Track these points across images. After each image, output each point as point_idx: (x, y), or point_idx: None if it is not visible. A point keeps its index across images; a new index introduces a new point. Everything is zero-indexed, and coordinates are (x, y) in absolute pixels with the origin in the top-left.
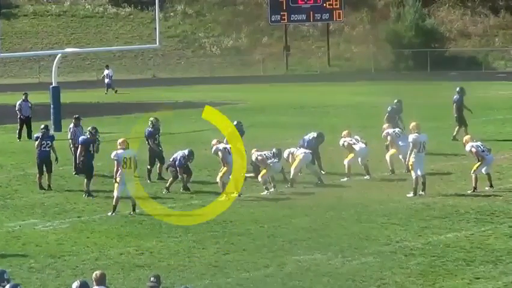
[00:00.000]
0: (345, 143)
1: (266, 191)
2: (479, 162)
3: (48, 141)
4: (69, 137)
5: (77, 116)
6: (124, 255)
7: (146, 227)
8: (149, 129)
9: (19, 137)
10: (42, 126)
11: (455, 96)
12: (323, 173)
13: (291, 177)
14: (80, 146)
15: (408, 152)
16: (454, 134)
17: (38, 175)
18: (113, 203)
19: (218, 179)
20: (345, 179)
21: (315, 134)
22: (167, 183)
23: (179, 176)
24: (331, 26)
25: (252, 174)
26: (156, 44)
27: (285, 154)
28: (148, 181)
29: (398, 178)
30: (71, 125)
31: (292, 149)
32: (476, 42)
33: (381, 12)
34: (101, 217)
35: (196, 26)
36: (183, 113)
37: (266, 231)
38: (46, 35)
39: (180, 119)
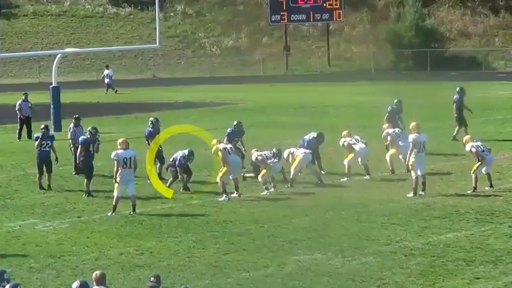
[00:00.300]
0: (345, 143)
1: (266, 191)
2: (479, 162)
3: (48, 141)
4: (69, 137)
5: (77, 116)
6: (124, 255)
7: (146, 227)
8: (149, 129)
9: (19, 137)
10: (42, 126)
11: (455, 96)
12: (323, 173)
13: (291, 177)
14: (80, 146)
15: (408, 152)
16: (454, 134)
17: (38, 175)
18: (113, 203)
19: (218, 179)
20: (345, 179)
21: (315, 134)
22: (168, 183)
23: (180, 176)
24: (331, 26)
25: (252, 174)
26: (156, 44)
27: (285, 154)
28: (148, 181)
29: (398, 178)
30: (71, 125)
31: (292, 149)
32: (476, 42)
33: (381, 12)
34: (101, 217)
35: (196, 26)
36: (183, 113)
37: (266, 231)
38: (46, 35)
39: (180, 119)
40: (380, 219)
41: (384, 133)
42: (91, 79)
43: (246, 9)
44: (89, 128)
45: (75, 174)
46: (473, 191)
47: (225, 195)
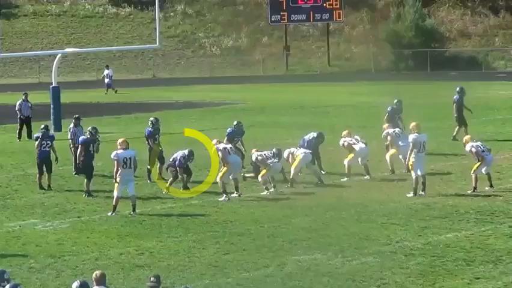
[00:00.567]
0: (345, 143)
1: (266, 191)
2: (479, 162)
3: (48, 141)
4: (69, 137)
5: (77, 116)
6: (124, 255)
7: (146, 227)
8: (149, 129)
9: (19, 137)
10: (42, 126)
11: (455, 96)
12: (323, 173)
13: (291, 177)
14: (80, 146)
15: (409, 152)
16: (454, 134)
17: (38, 175)
18: (113, 203)
19: (218, 179)
20: (345, 179)
21: (315, 134)
22: (168, 183)
23: (180, 176)
24: (331, 26)
25: (252, 174)
26: (156, 44)
27: (285, 154)
28: (148, 181)
29: (398, 178)
30: (71, 125)
31: (292, 149)
32: (476, 42)
33: (381, 12)
34: (101, 217)
35: (196, 26)
36: (183, 113)
37: (266, 231)
38: (46, 35)
39: (180, 119)
40: (380, 219)
41: (384, 133)
42: (91, 79)
43: (246, 9)
44: (89, 128)
45: (75, 174)
46: (473, 191)
47: (225, 195)
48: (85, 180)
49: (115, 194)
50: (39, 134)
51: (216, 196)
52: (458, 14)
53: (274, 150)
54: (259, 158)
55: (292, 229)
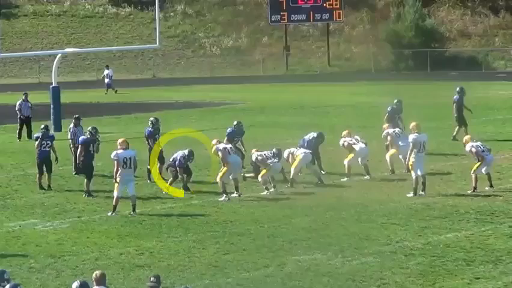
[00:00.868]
0: (345, 143)
1: (266, 191)
2: (479, 162)
3: (48, 141)
4: (69, 137)
5: (77, 116)
6: (124, 255)
7: (146, 227)
8: (149, 129)
9: (19, 137)
10: (42, 126)
11: (455, 96)
12: (323, 173)
13: (291, 177)
14: (80, 146)
15: (409, 152)
16: (454, 134)
17: (38, 175)
18: (113, 203)
19: (218, 179)
20: (345, 179)
21: (315, 134)
22: (168, 183)
23: (180, 176)
24: (331, 26)
25: (252, 174)
26: (156, 44)
27: (285, 154)
28: (148, 181)
29: (398, 178)
30: (71, 125)
31: (292, 149)
32: (476, 42)
33: (381, 12)
34: (101, 217)
35: (196, 26)
36: (183, 113)
37: (266, 231)
38: (46, 35)
39: (180, 119)
40: (380, 219)
41: (384, 133)
42: (91, 79)
43: (246, 9)
44: (89, 128)
45: (75, 174)
46: (473, 191)
47: (225, 195)
48: (85, 180)
49: (115, 194)
50: (39, 134)
51: (216, 196)
52: (458, 14)
53: (274, 150)
54: (259, 158)
55: (292, 229)
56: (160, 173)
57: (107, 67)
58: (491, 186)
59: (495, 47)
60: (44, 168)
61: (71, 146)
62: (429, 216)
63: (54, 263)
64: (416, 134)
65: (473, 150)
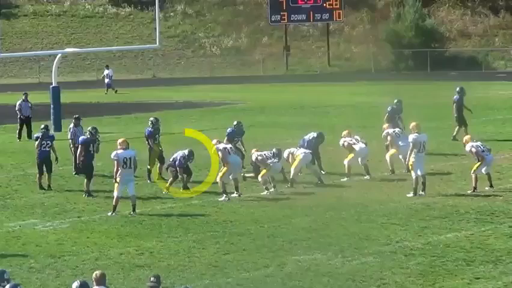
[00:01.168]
0: (345, 143)
1: (266, 191)
2: (479, 162)
3: (48, 141)
4: (69, 137)
5: (77, 116)
6: (124, 255)
7: (146, 227)
8: (149, 129)
9: (19, 137)
10: (43, 126)
11: (455, 96)
12: (323, 173)
13: (291, 177)
14: (80, 146)
15: (409, 152)
16: (454, 134)
17: (38, 175)
18: (113, 203)
19: (218, 179)
20: (345, 179)
21: (315, 134)
22: (168, 183)
23: (180, 176)
24: (331, 26)
25: (252, 174)
26: (156, 44)
27: (285, 154)
28: (148, 181)
29: (398, 178)
30: (71, 125)
31: (292, 149)
32: (476, 42)
33: (381, 12)
34: (101, 217)
35: (196, 26)
36: (183, 113)
37: (266, 231)
38: (46, 35)
39: (180, 119)
40: (380, 219)
41: (384, 133)
42: (91, 79)
43: (246, 9)
44: (89, 128)
45: (75, 174)
46: (473, 191)
47: (225, 195)
48: (85, 180)
49: (115, 194)
50: (40, 134)
51: (216, 196)
52: (458, 14)
53: (274, 150)
54: (259, 158)
55: (292, 229)
56: (160, 173)
57: (107, 67)
58: (491, 186)
59: (495, 47)
60: (44, 168)
61: (71, 146)
62: (429, 216)
63: (54, 263)
64: (416, 134)
65: (473, 150)
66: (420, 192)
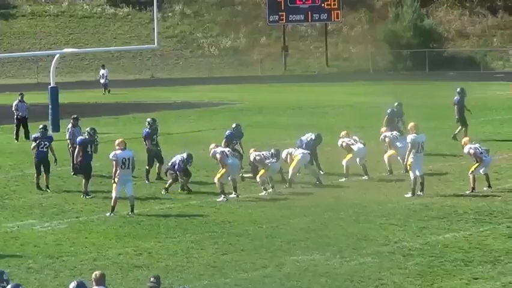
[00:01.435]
0: (344, 144)
1: (264, 192)
2: (477, 163)
3: (46, 142)
4: (67, 138)
5: (75, 116)
6: (123, 256)
7: (144, 228)
8: (147, 129)
9: (16, 138)
10: (41, 126)
11: (455, 98)
12: (322, 173)
13: (289, 177)
14: (78, 146)
15: (407, 153)
16: (456, 132)
17: (35, 175)
18: (112, 204)
19: (216, 180)
20: (344, 179)
21: (312, 136)
22: (167, 184)
23: (180, 180)
24: (329, 26)
25: (250, 175)
26: (154, 44)
27: (284, 154)
28: (147, 181)
29: (396, 178)
30: (69, 125)
31: (290, 150)
32: (474, 42)
33: (380, 13)
34: (100, 217)
35: (194, 26)
36: (181, 114)
37: (264, 232)
38: (44, 36)
39: (178, 119)
40: (378, 220)
41: (381, 136)
42: (89, 79)
43: (244, 10)
44: (88, 128)
45: (73, 174)
46: (472, 191)
47: (223, 195)
48: (83, 180)
49: (113, 194)
50: (38, 135)
51: (214, 197)
52: (457, 14)
53: (272, 150)
54: (258, 158)
55: (291, 229)
56: (159, 173)
57: (103, 67)
58: (489, 186)
59: (493, 47)
60: (42, 169)
61: (69, 146)
62: (428, 217)
63: (52, 264)
64: (415, 135)
65: (471, 152)
66: (419, 193)
